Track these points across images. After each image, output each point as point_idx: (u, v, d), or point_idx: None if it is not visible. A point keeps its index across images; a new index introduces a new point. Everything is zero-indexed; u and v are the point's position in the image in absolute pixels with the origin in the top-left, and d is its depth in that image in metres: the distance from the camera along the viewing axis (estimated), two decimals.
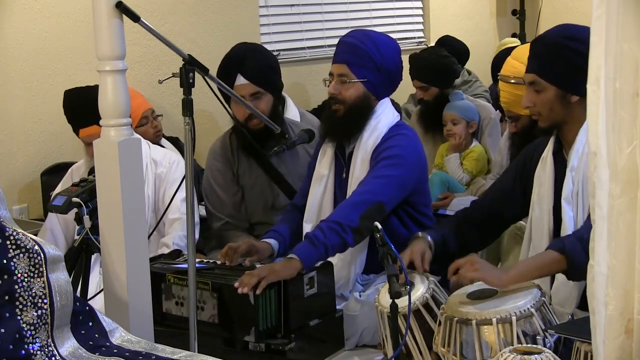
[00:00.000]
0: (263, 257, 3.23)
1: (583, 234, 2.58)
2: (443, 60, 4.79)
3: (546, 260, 2.63)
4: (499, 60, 4.42)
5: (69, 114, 3.77)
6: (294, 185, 3.79)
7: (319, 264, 3.00)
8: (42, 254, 2.19)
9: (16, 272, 2.15)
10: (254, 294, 2.79)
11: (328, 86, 3.30)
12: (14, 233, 2.18)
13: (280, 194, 3.80)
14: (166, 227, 3.61)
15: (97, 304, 2.69)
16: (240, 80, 3.68)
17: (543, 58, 2.82)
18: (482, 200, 3.17)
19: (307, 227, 3.32)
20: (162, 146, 4.20)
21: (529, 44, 3.08)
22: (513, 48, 4.25)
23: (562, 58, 2.78)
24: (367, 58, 3.22)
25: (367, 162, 3.24)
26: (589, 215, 2.67)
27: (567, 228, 2.80)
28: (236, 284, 2.81)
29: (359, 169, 3.25)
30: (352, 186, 3.24)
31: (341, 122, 3.28)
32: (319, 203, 3.35)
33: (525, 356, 2.18)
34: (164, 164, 3.66)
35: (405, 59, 3.34)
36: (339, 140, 3.34)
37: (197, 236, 3.61)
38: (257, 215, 3.83)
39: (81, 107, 3.63)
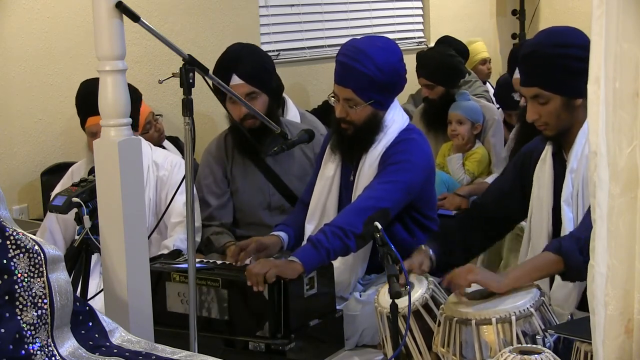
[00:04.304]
0: (273, 252, 3.22)
1: (580, 234, 2.58)
2: (450, 60, 4.80)
3: (544, 262, 2.63)
4: (516, 51, 4.50)
5: (79, 102, 3.67)
6: (289, 185, 3.78)
7: None
8: (42, 254, 2.19)
9: (16, 272, 2.15)
10: (268, 290, 2.80)
11: (333, 103, 3.27)
12: (14, 233, 2.18)
13: (276, 194, 3.79)
14: (168, 230, 3.59)
15: (97, 304, 2.69)
16: (235, 80, 3.67)
17: (542, 70, 2.81)
18: (481, 201, 3.16)
19: (309, 228, 3.31)
20: (165, 147, 4.19)
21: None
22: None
23: (561, 66, 2.78)
24: (371, 81, 3.15)
25: (375, 166, 3.22)
26: (585, 215, 2.68)
27: (567, 230, 2.79)
28: (249, 283, 2.81)
29: (367, 172, 3.23)
30: (358, 189, 3.23)
31: (352, 140, 3.27)
32: (322, 204, 3.33)
33: (525, 356, 2.18)
34: (166, 167, 3.64)
35: (405, 59, 3.31)
36: (350, 154, 3.32)
37: (198, 240, 3.60)
38: (252, 216, 3.83)
39: (94, 94, 3.56)
